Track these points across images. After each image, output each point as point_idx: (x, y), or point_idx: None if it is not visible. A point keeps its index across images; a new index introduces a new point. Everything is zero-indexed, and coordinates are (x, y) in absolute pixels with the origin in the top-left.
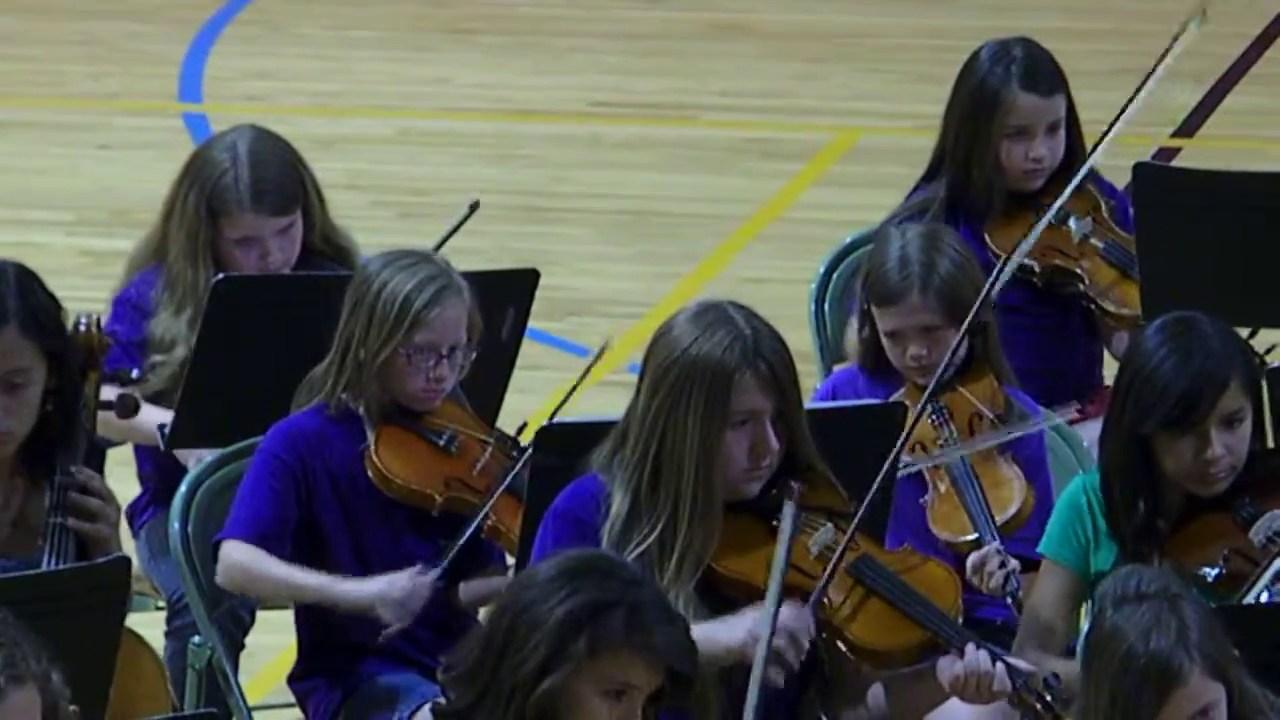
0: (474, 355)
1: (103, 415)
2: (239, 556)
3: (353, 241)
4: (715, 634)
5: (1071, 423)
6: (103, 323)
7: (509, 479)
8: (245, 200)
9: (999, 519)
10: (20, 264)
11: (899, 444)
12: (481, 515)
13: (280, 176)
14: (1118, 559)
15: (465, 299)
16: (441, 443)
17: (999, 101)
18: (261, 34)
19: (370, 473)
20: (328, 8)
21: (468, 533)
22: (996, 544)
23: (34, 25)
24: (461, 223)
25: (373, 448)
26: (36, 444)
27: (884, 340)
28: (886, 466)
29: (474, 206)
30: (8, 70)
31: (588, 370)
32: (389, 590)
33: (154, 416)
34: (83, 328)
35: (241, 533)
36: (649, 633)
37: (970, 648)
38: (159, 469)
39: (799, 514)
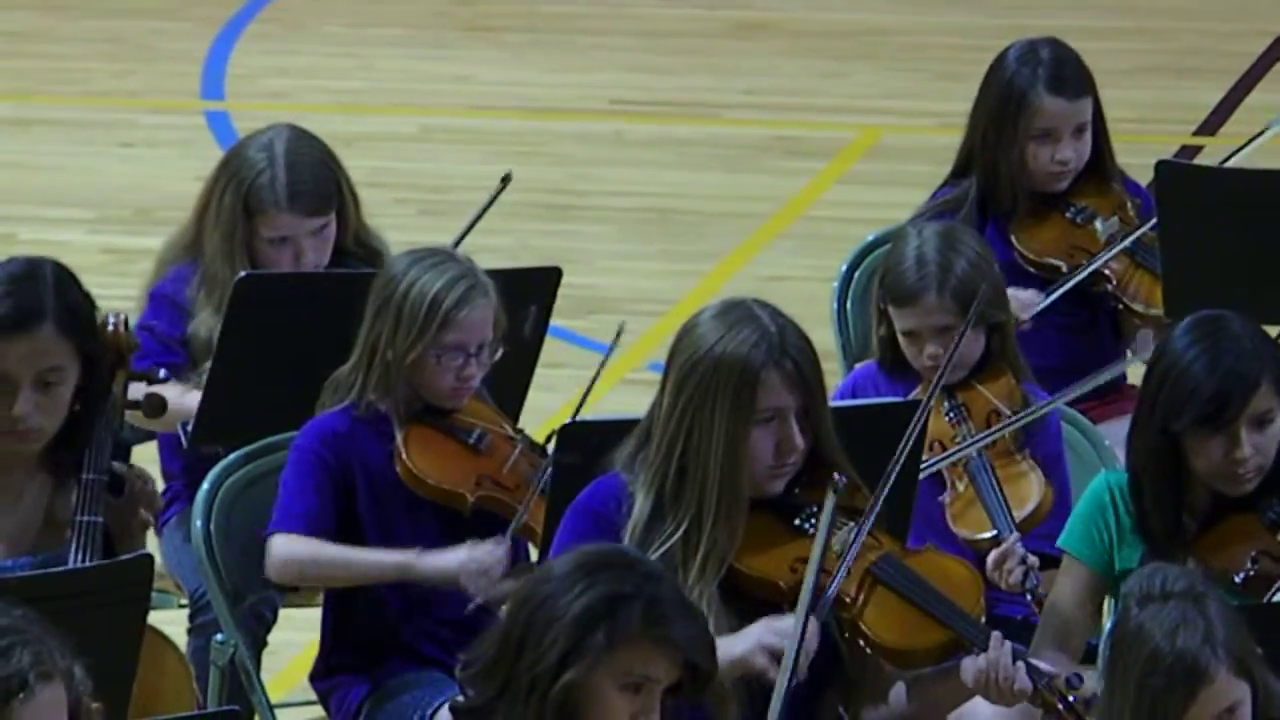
0: (500, 353)
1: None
2: (297, 547)
3: (384, 243)
4: (723, 647)
5: (1093, 416)
6: (131, 321)
7: (542, 478)
8: (281, 200)
9: (1018, 515)
10: (57, 261)
11: (906, 438)
12: (522, 513)
13: (316, 177)
14: (1144, 557)
15: (492, 298)
16: (471, 441)
17: (1025, 104)
18: (284, 32)
19: (401, 473)
20: (350, 5)
21: (511, 528)
22: (1016, 540)
23: (57, 23)
24: (495, 196)
25: (403, 448)
26: (63, 442)
27: (901, 339)
28: (896, 459)
29: (506, 179)
30: (31, 68)
31: (603, 364)
32: (470, 562)
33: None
34: (111, 326)
35: (294, 526)
36: (667, 625)
37: (993, 646)
38: (184, 466)
39: (836, 509)
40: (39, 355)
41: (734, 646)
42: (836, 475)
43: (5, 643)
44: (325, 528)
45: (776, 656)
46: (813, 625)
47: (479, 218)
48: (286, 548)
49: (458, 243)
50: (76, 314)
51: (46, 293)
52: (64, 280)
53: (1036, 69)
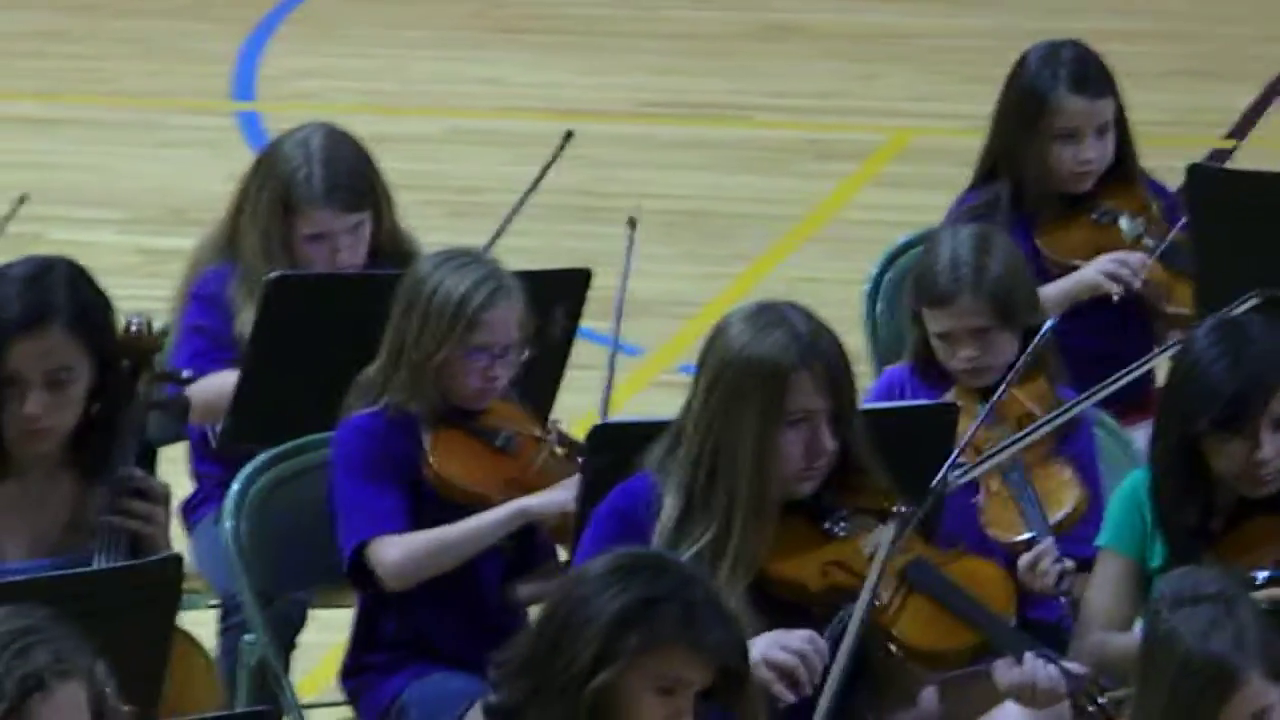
0: (527, 354)
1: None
2: (400, 547)
3: (418, 245)
4: None
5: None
6: (155, 323)
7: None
8: (318, 196)
9: (1053, 518)
10: (71, 260)
11: (954, 453)
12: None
13: (353, 173)
14: (1166, 559)
15: (518, 298)
16: (498, 443)
17: (1047, 104)
18: (314, 33)
19: (429, 476)
20: (380, 7)
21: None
22: (1051, 542)
23: (88, 24)
24: (558, 153)
25: (430, 451)
26: (84, 442)
27: (934, 342)
28: (943, 477)
29: (568, 135)
30: (62, 68)
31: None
32: (571, 498)
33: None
34: (134, 328)
35: (383, 527)
36: (701, 629)
37: (1029, 656)
38: (215, 467)
39: (894, 537)
40: (48, 355)
41: None
42: (901, 507)
43: (24, 642)
44: (402, 519)
45: (781, 671)
46: (821, 643)
47: (540, 177)
48: (394, 549)
49: (511, 215)
50: (88, 314)
51: (58, 292)
52: (77, 280)
53: (1058, 69)
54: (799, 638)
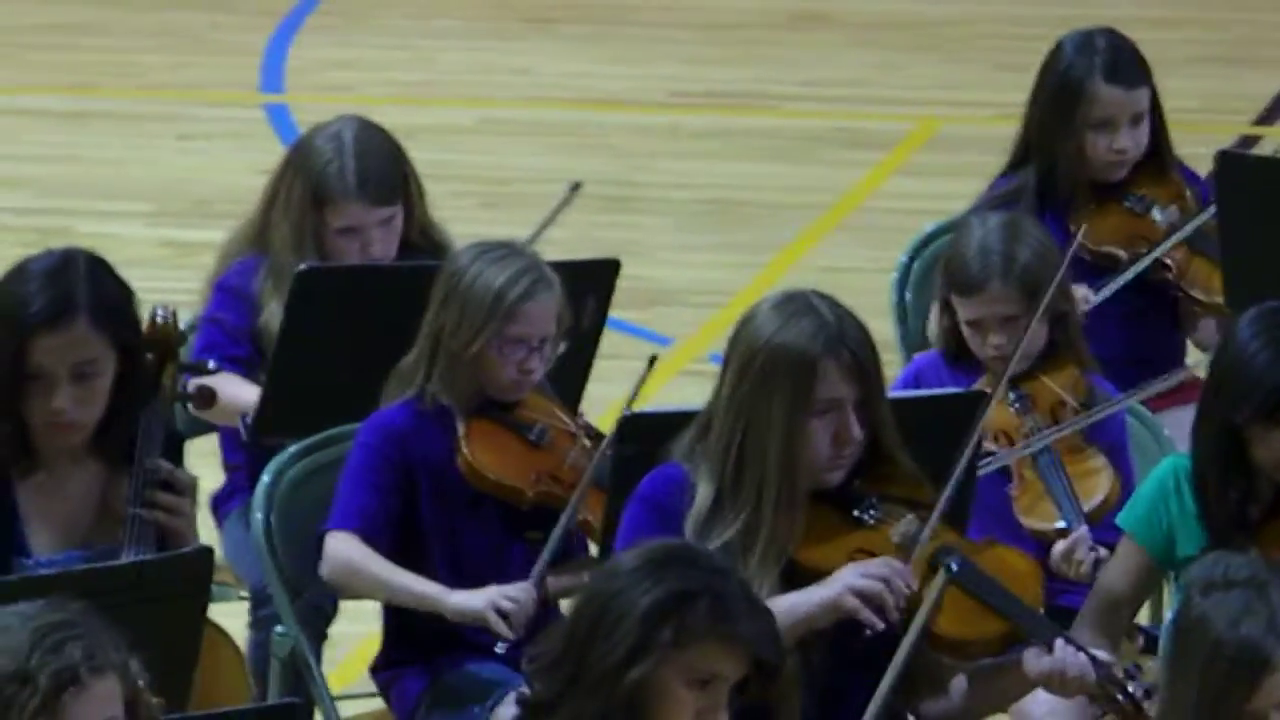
0: (563, 347)
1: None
2: (346, 552)
3: (449, 237)
4: (808, 595)
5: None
6: (183, 314)
7: (591, 472)
8: (350, 189)
9: (1086, 506)
10: (91, 251)
11: (973, 434)
12: (569, 513)
13: (385, 167)
14: (1205, 546)
15: (556, 291)
16: (532, 437)
17: (1082, 93)
18: (343, 24)
19: (461, 466)
20: None
21: (556, 534)
22: (1085, 530)
23: (115, 16)
24: (562, 206)
25: (464, 442)
26: (109, 432)
27: (965, 329)
28: (966, 457)
29: (575, 187)
30: (89, 61)
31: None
32: (499, 602)
33: (247, 393)
34: (160, 319)
35: (348, 524)
36: (734, 622)
37: (1059, 643)
38: (246, 459)
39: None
40: (74, 348)
41: (822, 592)
42: (954, 558)
43: (58, 637)
44: (380, 525)
45: (866, 598)
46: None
47: (546, 225)
48: (337, 550)
49: (540, 228)
50: (111, 305)
51: (80, 285)
52: (98, 271)
53: (1093, 58)
54: (881, 563)
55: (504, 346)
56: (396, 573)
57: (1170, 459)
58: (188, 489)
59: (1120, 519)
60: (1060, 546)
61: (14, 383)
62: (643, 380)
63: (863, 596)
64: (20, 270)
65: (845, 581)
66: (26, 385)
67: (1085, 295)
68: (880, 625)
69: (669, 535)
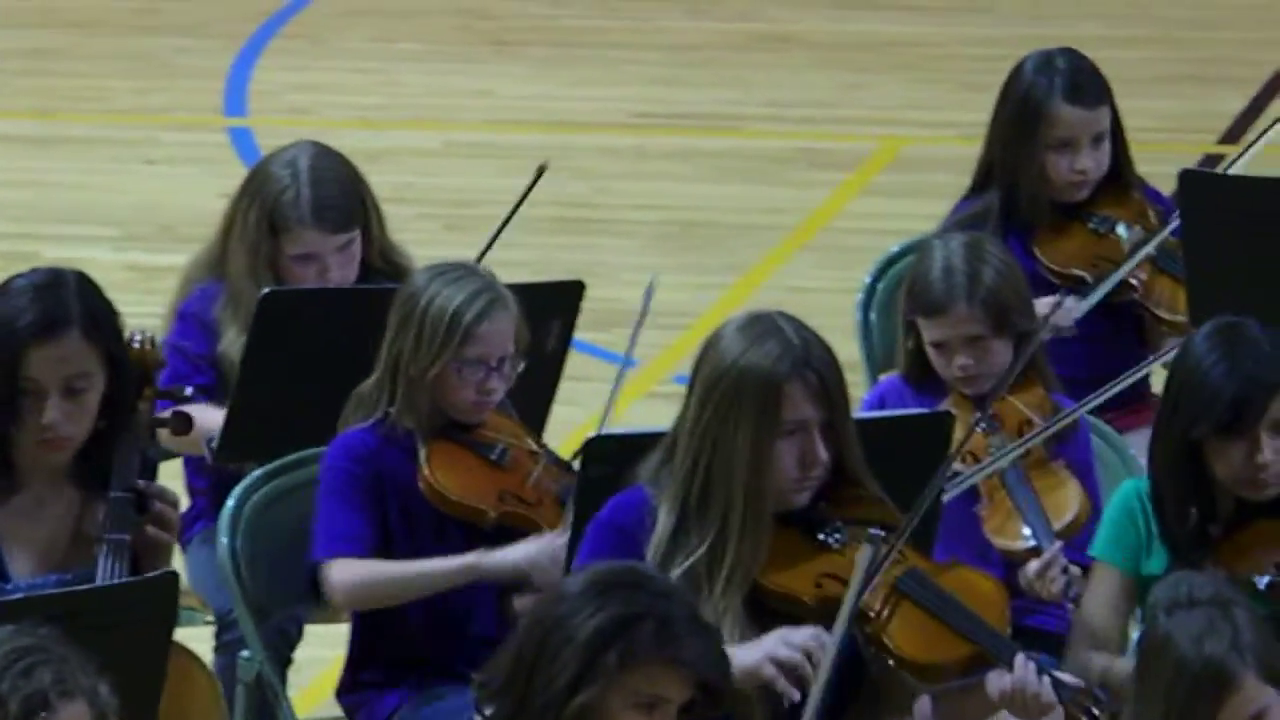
0: (521, 366)
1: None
2: (353, 573)
3: (411, 259)
4: (734, 657)
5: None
6: (158, 339)
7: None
8: (306, 217)
9: (1056, 525)
10: (79, 271)
11: (949, 459)
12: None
13: (341, 193)
14: (1169, 565)
15: (512, 311)
16: (493, 456)
17: (1043, 114)
18: (306, 48)
19: (424, 488)
20: (372, 21)
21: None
22: (1059, 549)
23: (80, 41)
24: (531, 187)
25: (425, 464)
26: (87, 456)
27: (929, 351)
28: (937, 481)
29: (542, 169)
30: (54, 86)
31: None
32: (539, 555)
33: (217, 419)
34: (136, 344)
35: (346, 549)
36: (679, 645)
37: (1019, 662)
38: (210, 483)
39: (874, 561)
40: (67, 361)
41: (745, 657)
42: (873, 530)
43: (28, 661)
44: (375, 544)
45: (785, 669)
46: (827, 639)
47: (516, 208)
48: (348, 573)
49: (493, 239)
50: (101, 320)
51: (72, 299)
52: (87, 288)
53: (1053, 79)
54: (805, 634)
55: (462, 369)
56: (420, 562)
57: (1130, 482)
58: (176, 502)
59: (1092, 550)
60: (1033, 565)
61: (7, 398)
62: (614, 397)
63: (782, 667)
64: (7, 287)
65: (766, 649)
66: (17, 401)
67: (1070, 306)
68: (796, 697)
69: (629, 559)
